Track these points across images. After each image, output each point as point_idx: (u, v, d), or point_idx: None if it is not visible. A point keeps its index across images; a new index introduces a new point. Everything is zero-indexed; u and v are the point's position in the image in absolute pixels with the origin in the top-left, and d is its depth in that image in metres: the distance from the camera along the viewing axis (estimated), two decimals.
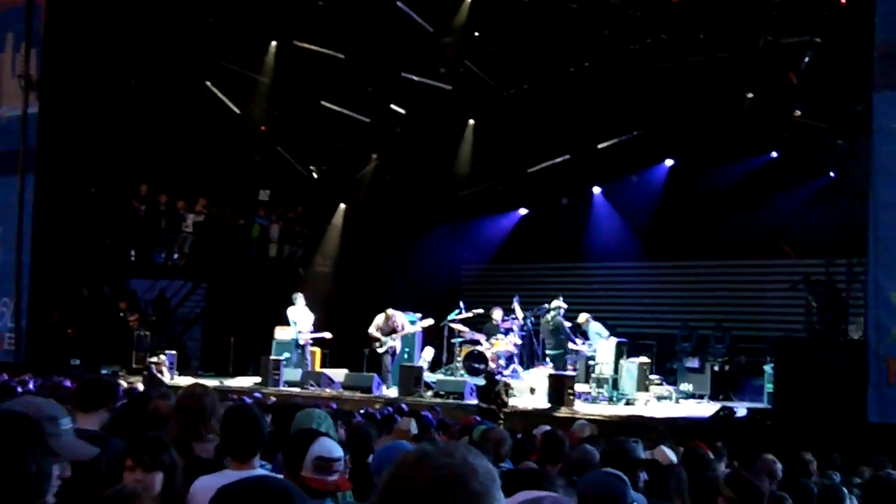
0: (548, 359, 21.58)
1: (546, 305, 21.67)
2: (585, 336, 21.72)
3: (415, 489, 2.14)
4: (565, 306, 21.55)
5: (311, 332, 22.87)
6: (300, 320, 22.69)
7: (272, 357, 21.97)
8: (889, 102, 16.13)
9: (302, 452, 4.89)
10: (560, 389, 18.42)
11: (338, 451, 5.04)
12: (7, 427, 2.79)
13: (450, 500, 2.14)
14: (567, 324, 21.42)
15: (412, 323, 22.23)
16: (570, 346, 21.55)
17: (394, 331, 21.55)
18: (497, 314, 21.83)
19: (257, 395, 16.72)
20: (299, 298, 22.83)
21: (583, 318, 21.91)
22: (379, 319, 21.78)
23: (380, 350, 21.68)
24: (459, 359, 21.94)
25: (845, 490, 7.60)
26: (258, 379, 21.88)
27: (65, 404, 7.56)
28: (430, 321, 22.30)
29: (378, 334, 21.66)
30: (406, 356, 22.01)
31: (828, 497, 7.42)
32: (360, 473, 6.64)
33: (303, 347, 22.77)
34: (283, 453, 5.07)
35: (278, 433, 7.06)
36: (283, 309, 23.02)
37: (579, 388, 19.83)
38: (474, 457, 2.22)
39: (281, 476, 4.63)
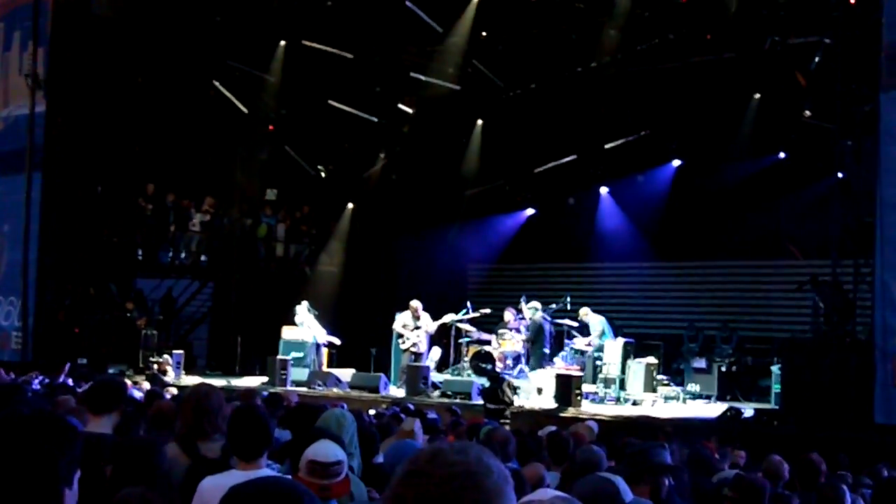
0: (554, 360, 21.55)
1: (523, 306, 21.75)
2: (586, 330, 21.67)
3: (429, 485, 2.15)
4: (539, 306, 21.56)
5: (327, 334, 22.94)
6: (312, 323, 22.70)
7: (279, 356, 21.97)
8: None
9: (301, 454, 4.91)
10: (567, 390, 18.40)
11: (335, 455, 5.03)
12: (43, 424, 2.86)
13: (463, 497, 2.15)
14: (547, 325, 21.50)
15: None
16: (572, 343, 21.62)
17: (417, 326, 21.63)
18: (508, 315, 21.81)
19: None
20: (302, 308, 22.84)
21: (583, 312, 21.83)
22: (405, 315, 21.88)
23: (402, 346, 21.82)
24: (466, 359, 21.92)
25: (845, 488, 7.59)
26: (265, 378, 21.90)
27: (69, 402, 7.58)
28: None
29: (404, 330, 21.81)
30: (413, 357, 21.96)
31: (827, 495, 7.41)
32: (368, 474, 6.66)
33: (318, 347, 22.77)
34: (292, 453, 5.09)
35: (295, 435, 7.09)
36: (290, 308, 23.04)
37: (586, 388, 19.78)
38: (489, 457, 2.23)
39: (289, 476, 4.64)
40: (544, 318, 21.70)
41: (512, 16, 23.42)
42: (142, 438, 5.81)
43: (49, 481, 2.75)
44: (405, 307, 22.29)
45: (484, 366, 21.23)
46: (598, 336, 21.38)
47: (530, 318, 21.47)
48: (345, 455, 5.23)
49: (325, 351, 23.45)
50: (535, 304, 21.60)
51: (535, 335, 21.41)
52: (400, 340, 21.99)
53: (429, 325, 21.87)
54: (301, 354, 22.48)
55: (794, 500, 7.16)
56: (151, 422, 7.51)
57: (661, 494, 5.97)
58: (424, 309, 22.13)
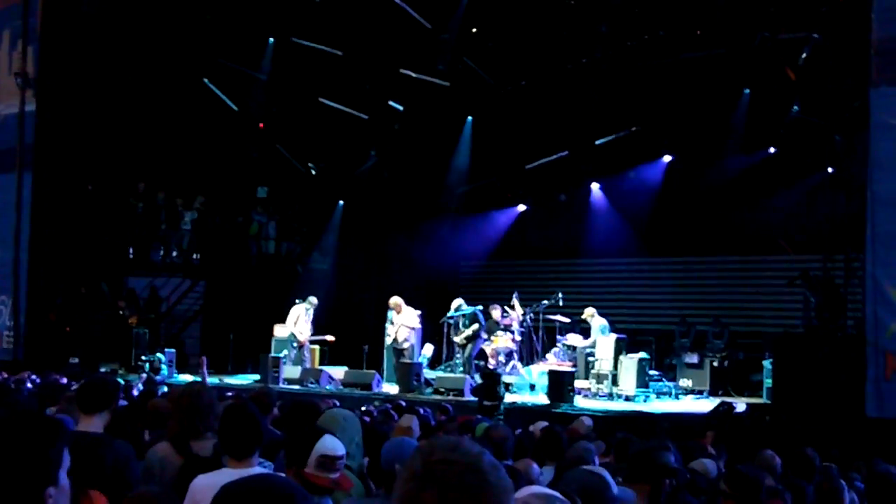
0: (546, 356, 21.56)
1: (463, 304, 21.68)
2: (588, 332, 21.67)
3: (453, 473, 2.20)
4: (460, 301, 21.58)
5: (312, 336, 22.85)
6: (301, 321, 22.63)
7: (272, 355, 21.95)
8: (886, 98, 16.13)
9: (307, 449, 4.89)
10: (560, 385, 18.42)
11: (341, 450, 5.05)
12: (33, 424, 2.84)
13: (485, 486, 2.20)
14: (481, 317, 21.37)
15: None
16: (564, 339, 21.67)
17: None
18: (496, 312, 21.76)
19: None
20: (313, 300, 22.81)
21: (588, 312, 21.78)
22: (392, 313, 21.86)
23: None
24: (459, 355, 21.92)
25: (843, 483, 7.60)
26: (257, 377, 21.89)
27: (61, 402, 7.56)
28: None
29: (390, 327, 21.81)
30: (400, 354, 21.89)
31: (825, 490, 7.41)
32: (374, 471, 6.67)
33: (301, 345, 22.72)
34: (287, 449, 5.07)
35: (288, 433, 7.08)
36: (282, 306, 23.01)
37: (579, 384, 19.83)
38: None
39: (283, 474, 4.63)
40: (479, 313, 21.53)
41: (502, 12, 23.42)
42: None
43: (23, 481, 2.73)
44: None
45: (477, 363, 21.24)
46: (594, 341, 21.33)
47: (462, 316, 21.33)
48: (344, 450, 5.24)
49: (315, 348, 23.39)
50: (459, 300, 21.51)
51: (470, 332, 21.25)
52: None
53: (408, 320, 21.75)
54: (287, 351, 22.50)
55: (787, 494, 7.16)
56: (149, 420, 7.50)
57: (661, 496, 5.97)
58: (416, 305, 22.06)
